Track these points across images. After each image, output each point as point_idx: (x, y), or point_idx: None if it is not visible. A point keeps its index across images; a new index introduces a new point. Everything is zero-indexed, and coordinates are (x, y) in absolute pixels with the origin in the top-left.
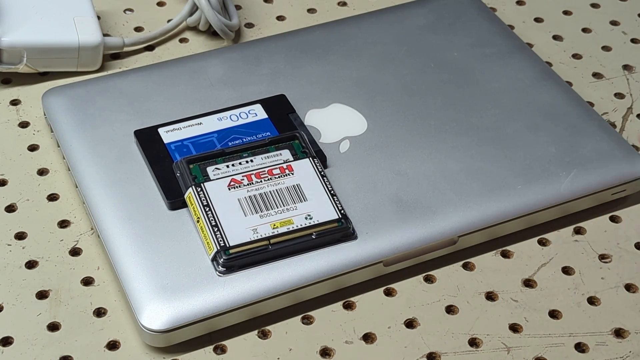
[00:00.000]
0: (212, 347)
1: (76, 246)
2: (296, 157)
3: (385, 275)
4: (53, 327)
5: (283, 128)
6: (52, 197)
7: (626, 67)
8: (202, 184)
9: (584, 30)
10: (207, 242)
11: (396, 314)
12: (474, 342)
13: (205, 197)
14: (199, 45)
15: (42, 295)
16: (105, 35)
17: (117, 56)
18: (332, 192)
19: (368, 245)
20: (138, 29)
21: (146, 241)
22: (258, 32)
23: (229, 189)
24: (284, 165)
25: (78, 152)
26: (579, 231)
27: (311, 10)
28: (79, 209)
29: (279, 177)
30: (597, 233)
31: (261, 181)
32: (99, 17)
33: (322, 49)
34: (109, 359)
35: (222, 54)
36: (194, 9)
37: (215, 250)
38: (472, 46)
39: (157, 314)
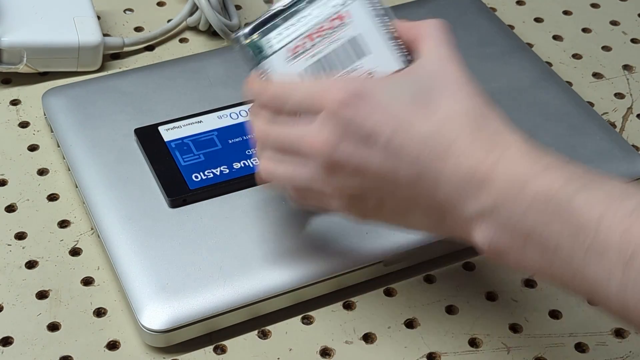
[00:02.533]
0: (212, 347)
1: (76, 246)
2: (345, 3)
3: (385, 275)
4: (53, 327)
5: None
6: (52, 197)
7: (626, 67)
8: (262, 62)
9: (584, 30)
10: None
11: (396, 314)
12: (474, 342)
13: (266, 78)
14: (199, 45)
15: (42, 295)
16: (105, 35)
17: (117, 56)
18: (396, 36)
19: (368, 245)
20: (138, 29)
21: (146, 241)
22: None
23: (289, 60)
24: (335, 16)
25: (78, 152)
26: None
27: None
28: (79, 209)
29: (332, 32)
30: None
31: (319, 39)
32: (99, 17)
33: None
34: (109, 359)
35: (222, 54)
36: (194, 9)
37: None
38: (472, 46)
39: (157, 314)
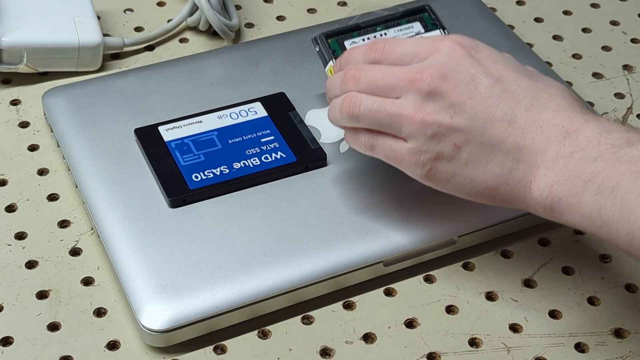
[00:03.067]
0: (212, 347)
1: (76, 246)
2: (427, 29)
3: (385, 275)
4: (53, 327)
5: (283, 126)
6: (52, 197)
7: (626, 67)
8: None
9: (584, 30)
10: None
11: (396, 314)
12: (474, 342)
13: None
14: (199, 45)
15: (42, 295)
16: (105, 35)
17: (117, 56)
18: None
19: (368, 245)
20: (138, 29)
21: (146, 241)
22: (258, 32)
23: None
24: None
25: (78, 152)
26: (579, 231)
27: (311, 10)
28: (79, 209)
29: None
30: None
31: None
32: (99, 17)
33: None
34: (109, 359)
35: (222, 54)
36: (194, 9)
37: None
38: None
39: (157, 314)
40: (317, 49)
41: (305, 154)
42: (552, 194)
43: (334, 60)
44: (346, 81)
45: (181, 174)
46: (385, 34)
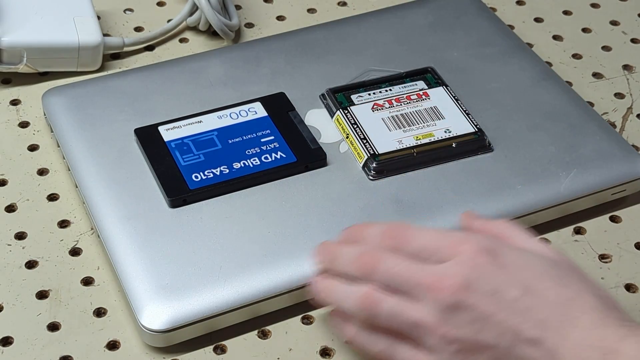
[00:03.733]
0: (212, 347)
1: (76, 246)
2: (430, 87)
3: None
4: (53, 327)
5: (283, 126)
6: (52, 197)
7: (626, 67)
8: (348, 107)
9: (584, 30)
10: (358, 153)
11: None
12: None
13: (352, 117)
14: (199, 45)
15: (42, 295)
16: (105, 35)
17: (117, 56)
18: (466, 111)
19: None
20: (138, 29)
21: (146, 241)
22: (258, 32)
23: (373, 111)
24: (420, 92)
25: (78, 152)
26: (579, 231)
27: (311, 10)
28: (79, 209)
29: (416, 101)
30: (597, 233)
31: (401, 104)
32: (99, 17)
33: (322, 49)
34: (109, 359)
35: (222, 54)
36: (194, 9)
37: (366, 157)
38: (472, 46)
39: (157, 314)
40: (325, 103)
41: (305, 154)
42: None
43: (340, 110)
44: (362, 265)
45: (181, 174)
46: (390, 89)
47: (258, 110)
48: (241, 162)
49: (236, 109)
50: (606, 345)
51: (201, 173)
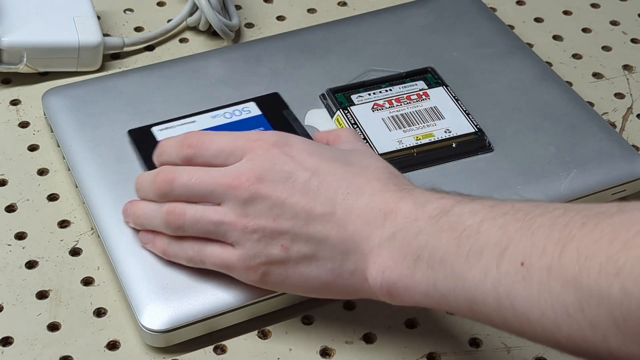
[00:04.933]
0: (212, 347)
1: (76, 246)
2: (430, 87)
3: None
4: (53, 327)
5: (277, 124)
6: (52, 197)
7: (626, 67)
8: (348, 107)
9: (584, 30)
10: None
11: (396, 314)
12: (474, 342)
13: (352, 117)
14: (199, 45)
15: (42, 295)
16: (105, 35)
17: (117, 56)
18: (466, 111)
19: None
20: (138, 29)
21: None
22: (258, 32)
23: (373, 111)
24: (420, 92)
25: (78, 152)
26: None
27: (311, 10)
28: (79, 209)
29: (416, 101)
30: None
31: (401, 104)
32: (99, 17)
33: (322, 49)
34: (109, 359)
35: (222, 54)
36: (194, 9)
37: None
38: (472, 46)
39: (157, 314)
40: (325, 103)
41: None
42: (385, 279)
43: (340, 110)
44: (159, 186)
45: None
46: (390, 89)
47: (252, 110)
48: None
49: (230, 109)
50: (386, 206)
51: None
